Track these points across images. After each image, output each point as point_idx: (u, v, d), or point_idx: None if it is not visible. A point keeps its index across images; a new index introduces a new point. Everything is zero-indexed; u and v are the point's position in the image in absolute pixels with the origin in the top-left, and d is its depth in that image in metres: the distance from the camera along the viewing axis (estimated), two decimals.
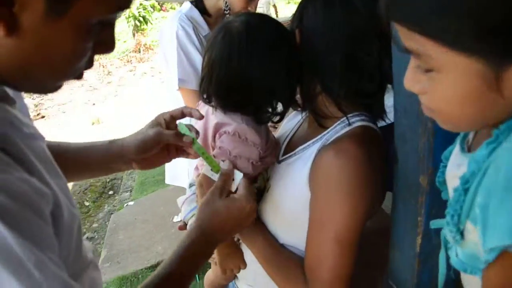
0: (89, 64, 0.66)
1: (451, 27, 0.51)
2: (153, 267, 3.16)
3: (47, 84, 0.64)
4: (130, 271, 3.17)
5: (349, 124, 0.96)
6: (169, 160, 1.09)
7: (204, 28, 2.03)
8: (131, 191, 4.65)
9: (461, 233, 0.61)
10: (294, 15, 1.01)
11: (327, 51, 0.94)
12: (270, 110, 1.05)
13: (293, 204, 1.01)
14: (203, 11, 2.04)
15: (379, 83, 0.95)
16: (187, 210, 1.17)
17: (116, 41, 0.69)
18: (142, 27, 12.77)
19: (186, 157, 1.09)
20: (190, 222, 1.16)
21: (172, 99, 2.17)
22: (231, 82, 0.99)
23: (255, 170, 1.03)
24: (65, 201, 0.67)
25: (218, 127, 1.03)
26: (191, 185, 1.23)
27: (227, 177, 0.98)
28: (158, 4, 16.24)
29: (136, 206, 4.13)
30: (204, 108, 1.09)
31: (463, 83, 0.54)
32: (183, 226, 1.19)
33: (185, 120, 1.06)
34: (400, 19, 0.56)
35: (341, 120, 0.98)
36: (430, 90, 0.59)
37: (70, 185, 4.94)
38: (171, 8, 17.53)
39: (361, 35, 0.92)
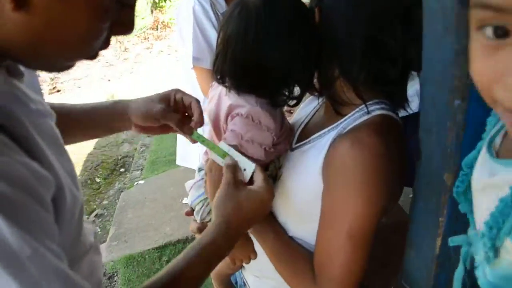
0: (105, 45, 0.61)
1: None
2: (161, 248, 3.15)
3: (58, 63, 0.61)
4: (137, 250, 3.15)
5: (368, 112, 0.89)
6: (168, 132, 1.09)
7: (222, 5, 1.98)
8: (142, 170, 4.63)
9: (495, 250, 0.53)
10: None
11: (347, 32, 0.87)
12: (286, 93, 0.98)
13: (305, 195, 0.95)
14: None
15: (402, 69, 0.88)
16: (194, 195, 1.12)
17: (135, 22, 0.65)
18: (160, 4, 12.69)
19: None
20: (197, 209, 1.10)
21: (186, 78, 2.12)
22: (247, 60, 0.92)
23: (268, 157, 0.97)
24: (68, 184, 0.64)
25: (231, 109, 0.97)
26: (200, 170, 1.18)
27: (233, 169, 0.91)
28: None
29: (146, 185, 4.11)
30: (217, 89, 1.03)
31: None
32: (190, 212, 1.14)
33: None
34: None
35: (360, 107, 0.91)
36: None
37: (81, 161, 4.96)
38: None
39: (385, 17, 0.85)
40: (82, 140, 1.08)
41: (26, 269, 0.46)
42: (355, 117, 0.90)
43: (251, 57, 0.92)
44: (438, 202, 0.81)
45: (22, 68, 0.64)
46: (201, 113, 1.01)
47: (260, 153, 0.94)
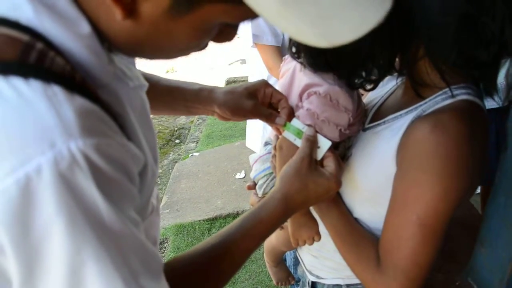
0: (202, 48, 0.62)
1: None
2: (211, 220, 3.20)
3: (154, 59, 0.63)
4: (188, 220, 3.22)
5: (452, 96, 0.83)
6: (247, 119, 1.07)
7: None
8: (197, 142, 4.70)
9: None
10: None
11: (442, 8, 0.80)
12: (364, 75, 0.92)
13: (375, 178, 0.91)
14: None
15: (496, 52, 0.81)
16: (259, 169, 1.10)
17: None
18: None
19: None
20: (260, 183, 1.08)
21: (247, 57, 2.10)
22: None
23: (341, 138, 0.93)
24: (151, 161, 0.66)
25: (307, 86, 0.93)
26: (266, 144, 1.15)
27: (312, 144, 0.88)
28: None
29: (201, 158, 4.17)
30: (291, 64, 1.00)
31: None
32: (252, 186, 1.12)
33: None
34: None
35: (444, 90, 0.85)
36: None
37: None
38: None
39: None
40: (159, 114, 1.10)
41: (116, 242, 0.48)
42: (438, 100, 0.84)
43: None
44: None
45: None
46: (290, 111, 0.98)
47: (335, 134, 0.91)
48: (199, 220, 3.21)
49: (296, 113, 0.93)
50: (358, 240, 0.95)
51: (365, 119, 1.01)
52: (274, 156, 1.00)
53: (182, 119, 5.77)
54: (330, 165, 0.88)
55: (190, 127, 5.28)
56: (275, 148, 0.98)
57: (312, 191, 0.85)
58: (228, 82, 6.61)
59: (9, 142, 0.43)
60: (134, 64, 0.74)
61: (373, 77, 0.92)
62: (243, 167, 3.71)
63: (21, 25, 0.47)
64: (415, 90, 0.88)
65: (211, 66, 7.96)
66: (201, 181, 3.73)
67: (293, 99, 0.96)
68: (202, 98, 1.03)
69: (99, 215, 0.47)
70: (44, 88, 0.45)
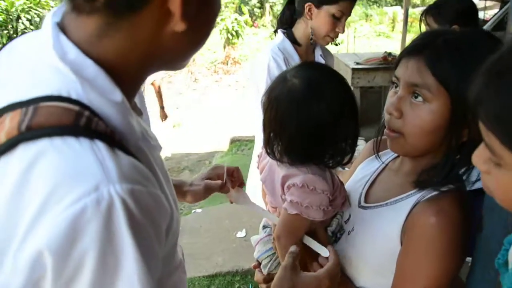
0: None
1: None
2: (210, 277, 3.25)
3: (186, 60, 0.78)
4: (188, 276, 3.25)
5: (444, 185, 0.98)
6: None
7: (295, 58, 2.08)
8: None
9: None
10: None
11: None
12: (340, 156, 1.07)
13: (381, 253, 1.03)
14: (293, 41, 2.11)
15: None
16: (261, 250, 1.21)
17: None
18: (233, 40, 13.18)
19: None
20: (265, 262, 1.19)
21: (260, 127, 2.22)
22: (303, 136, 1.02)
23: (327, 215, 1.07)
24: (176, 213, 0.76)
25: (285, 179, 1.06)
26: (264, 227, 1.28)
27: (295, 256, 1.02)
28: (251, 20, 16.67)
29: (203, 214, 4.26)
30: (267, 159, 1.15)
31: None
32: (257, 265, 1.23)
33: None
34: (482, 119, 0.61)
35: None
36: (493, 174, 0.64)
37: None
38: (263, 25, 17.98)
39: None
40: None
41: (132, 282, 0.58)
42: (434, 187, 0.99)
43: (307, 133, 1.02)
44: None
45: (139, 105, 0.81)
46: (239, 180, 1.28)
47: (320, 214, 1.04)
48: (199, 276, 3.26)
49: (283, 205, 1.06)
50: None
51: (348, 194, 1.14)
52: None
53: (186, 174, 5.88)
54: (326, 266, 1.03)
55: None
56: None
57: None
58: (232, 141, 6.78)
59: (62, 186, 0.54)
60: (150, 126, 0.85)
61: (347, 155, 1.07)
62: (244, 226, 3.80)
63: (72, 99, 0.60)
64: (418, 185, 1.01)
65: (216, 122, 8.15)
66: (203, 238, 3.80)
67: (278, 190, 1.09)
68: (180, 190, 1.24)
69: (126, 253, 0.57)
70: (91, 144, 0.58)
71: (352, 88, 4.65)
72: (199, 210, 4.35)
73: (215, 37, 13.20)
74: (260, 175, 1.19)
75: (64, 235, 0.53)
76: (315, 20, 2.00)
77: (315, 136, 1.02)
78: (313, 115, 1.00)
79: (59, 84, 0.61)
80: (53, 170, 0.55)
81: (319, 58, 2.21)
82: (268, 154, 1.11)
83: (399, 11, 17.56)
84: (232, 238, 3.71)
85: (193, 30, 0.67)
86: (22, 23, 12.78)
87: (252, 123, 2.24)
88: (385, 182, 1.15)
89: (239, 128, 7.30)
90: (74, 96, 0.61)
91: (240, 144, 6.63)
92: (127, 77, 0.68)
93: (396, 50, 9.49)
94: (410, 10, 10.04)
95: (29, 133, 0.57)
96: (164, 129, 7.54)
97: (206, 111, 8.97)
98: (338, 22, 1.99)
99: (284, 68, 1.98)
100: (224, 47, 13.06)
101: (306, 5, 1.99)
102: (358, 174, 1.26)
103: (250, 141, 6.03)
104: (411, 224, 0.97)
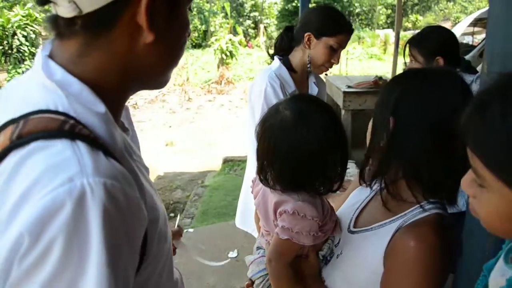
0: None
1: (508, 169, 0.65)
2: None
3: (166, 77, 0.83)
4: None
5: (425, 210, 1.02)
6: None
7: (291, 85, 2.13)
8: (192, 218, 4.81)
9: None
10: (383, 103, 1.08)
11: (420, 141, 1.01)
12: (329, 184, 1.12)
13: (366, 276, 1.07)
14: (290, 68, 2.16)
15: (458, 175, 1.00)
16: (255, 270, 1.26)
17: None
18: (227, 60, 13.33)
19: None
20: (257, 282, 1.24)
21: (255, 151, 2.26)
22: (295, 168, 1.08)
23: (317, 240, 1.11)
24: (165, 227, 0.82)
25: (277, 205, 1.11)
26: (258, 248, 1.32)
27: None
28: (245, 40, 16.85)
29: (195, 234, 4.27)
30: (260, 185, 1.19)
31: (502, 206, 0.68)
32: (250, 284, 1.27)
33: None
34: (468, 143, 0.70)
35: (418, 205, 1.04)
36: (478, 198, 0.72)
37: None
38: (257, 45, 18.18)
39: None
40: None
41: (93, 270, 0.61)
42: (415, 213, 1.03)
43: (296, 161, 1.07)
44: None
45: (127, 125, 0.86)
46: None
47: (309, 240, 1.08)
48: None
49: (275, 230, 1.11)
50: None
51: (339, 219, 1.19)
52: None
53: (178, 193, 5.89)
54: None
55: (185, 201, 5.40)
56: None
57: None
58: (225, 161, 6.83)
59: (43, 178, 0.60)
60: (139, 149, 0.90)
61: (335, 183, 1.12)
62: (236, 246, 3.81)
63: (59, 111, 0.66)
64: (395, 203, 1.06)
65: (209, 142, 8.21)
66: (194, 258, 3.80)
67: (270, 215, 1.14)
68: None
69: (91, 242, 0.60)
70: (72, 144, 0.63)
71: (343, 111, 4.76)
72: (191, 230, 4.36)
73: (209, 56, 13.36)
74: (254, 200, 1.24)
75: (38, 219, 0.58)
76: (313, 50, 2.07)
77: (304, 163, 1.07)
78: (301, 144, 1.05)
79: (47, 100, 0.68)
80: (36, 165, 0.61)
81: (312, 85, 2.27)
82: (261, 181, 1.15)
83: (390, 33, 17.88)
84: (224, 258, 3.71)
85: (164, 42, 0.74)
86: (18, 39, 12.87)
87: (244, 143, 2.27)
88: (373, 208, 1.20)
89: (232, 148, 7.34)
90: (61, 109, 0.67)
91: (233, 164, 6.66)
92: (110, 92, 0.74)
93: (388, 72, 9.65)
94: (402, 33, 10.22)
95: (19, 141, 0.63)
96: (156, 147, 7.59)
97: (199, 130, 9.02)
98: (334, 53, 2.07)
99: (280, 94, 2.03)
100: (218, 67, 13.21)
101: (306, 34, 2.06)
102: (351, 200, 1.32)
103: (243, 161, 6.06)
104: (393, 249, 1.01)
